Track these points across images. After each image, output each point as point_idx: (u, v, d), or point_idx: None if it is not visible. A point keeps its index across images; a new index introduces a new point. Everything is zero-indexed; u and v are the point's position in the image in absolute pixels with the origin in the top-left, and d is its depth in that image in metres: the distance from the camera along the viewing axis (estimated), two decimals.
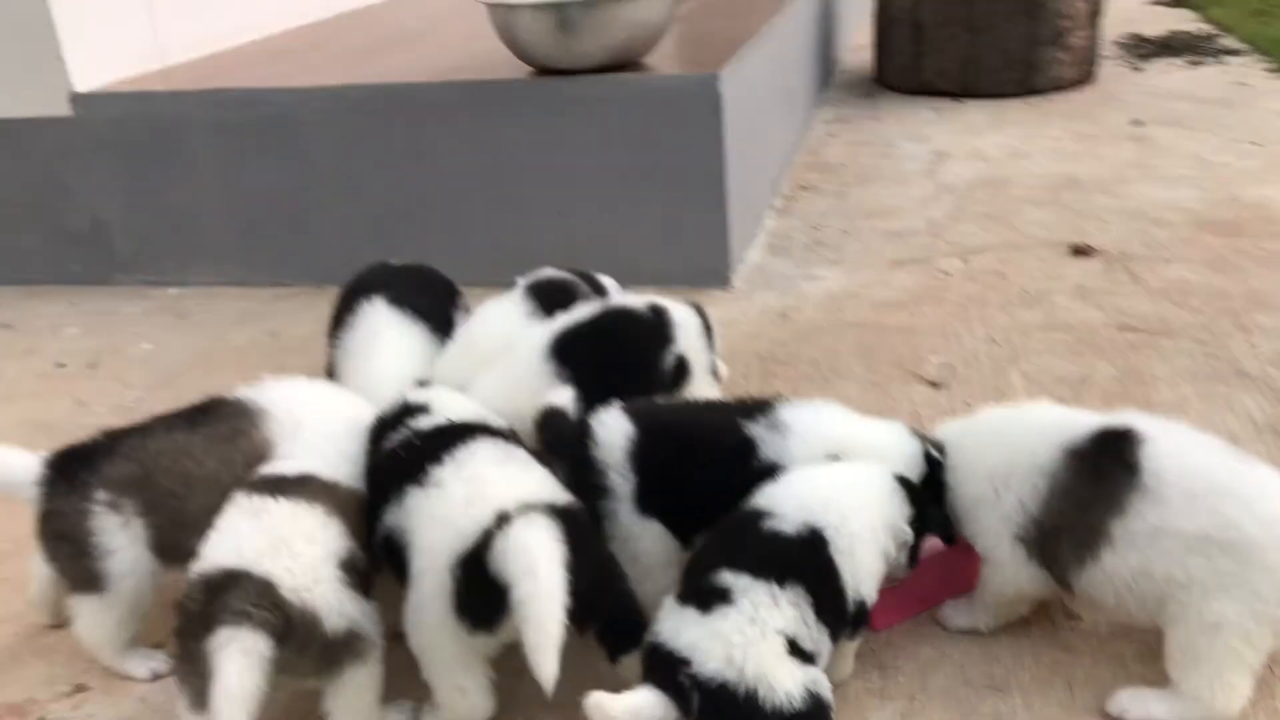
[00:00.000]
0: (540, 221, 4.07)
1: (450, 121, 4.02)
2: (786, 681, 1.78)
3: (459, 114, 4.00)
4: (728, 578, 1.87)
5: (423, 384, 2.61)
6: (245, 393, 2.37)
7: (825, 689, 1.83)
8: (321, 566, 1.88)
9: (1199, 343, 3.31)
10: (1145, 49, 7.20)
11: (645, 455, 2.20)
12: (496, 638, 1.87)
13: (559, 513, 1.88)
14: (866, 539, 1.99)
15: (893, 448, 2.22)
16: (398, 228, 4.19)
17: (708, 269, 3.99)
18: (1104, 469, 1.94)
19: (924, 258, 4.14)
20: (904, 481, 2.09)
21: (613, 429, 2.23)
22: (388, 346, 2.72)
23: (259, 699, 1.72)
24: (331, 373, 2.84)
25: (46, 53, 4.20)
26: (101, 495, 2.15)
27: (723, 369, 2.97)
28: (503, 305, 2.84)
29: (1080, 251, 4.06)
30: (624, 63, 3.90)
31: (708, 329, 2.85)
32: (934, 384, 3.17)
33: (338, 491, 2.06)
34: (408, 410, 2.20)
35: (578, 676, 1.83)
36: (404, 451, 2.07)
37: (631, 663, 1.92)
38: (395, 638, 2.00)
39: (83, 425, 3.35)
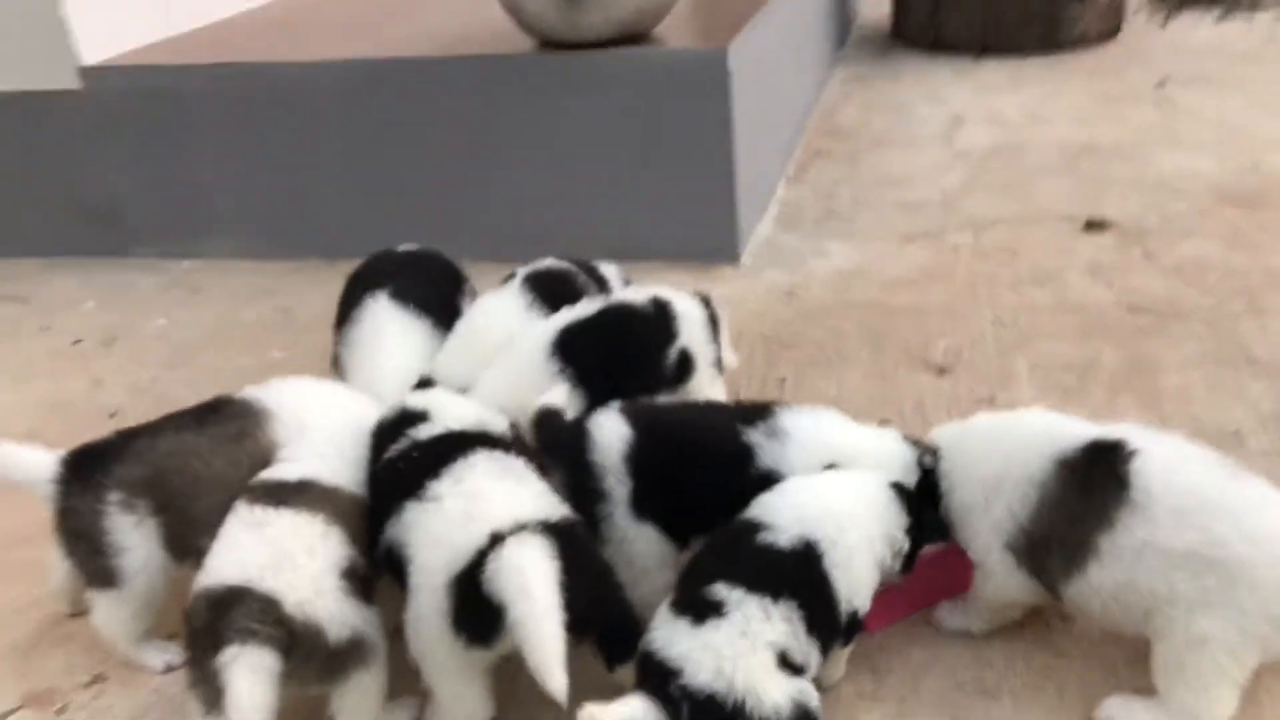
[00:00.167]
0: (546, 197, 4.07)
1: (457, 96, 4.01)
2: (774, 694, 1.82)
3: (466, 88, 3.98)
4: (721, 590, 1.90)
5: (425, 382, 2.64)
6: (251, 393, 2.40)
7: (812, 700, 1.87)
8: (323, 578, 1.92)
9: (1209, 325, 3.29)
10: (1173, 1, 7.04)
11: (642, 459, 2.21)
12: (494, 651, 1.91)
13: (553, 529, 1.91)
14: (862, 549, 2.02)
15: (888, 455, 2.24)
16: (405, 202, 4.20)
17: (716, 246, 3.98)
18: (1094, 482, 1.96)
19: (935, 231, 4.11)
20: (900, 490, 2.11)
21: (610, 432, 2.25)
22: (390, 344, 2.74)
23: (272, 710, 1.79)
24: (338, 363, 2.87)
25: (53, 25, 4.20)
26: (115, 496, 2.20)
27: (731, 359, 2.97)
28: (501, 298, 2.84)
29: (1094, 226, 4.02)
30: (631, 36, 3.86)
31: (713, 320, 2.84)
32: (939, 370, 3.17)
33: (338, 497, 2.10)
34: (407, 418, 2.23)
35: (576, 674, 1.87)
36: (403, 464, 2.11)
37: (628, 671, 1.96)
38: (398, 633, 2.05)
39: (100, 405, 3.46)
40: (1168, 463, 1.94)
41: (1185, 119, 5.05)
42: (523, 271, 2.91)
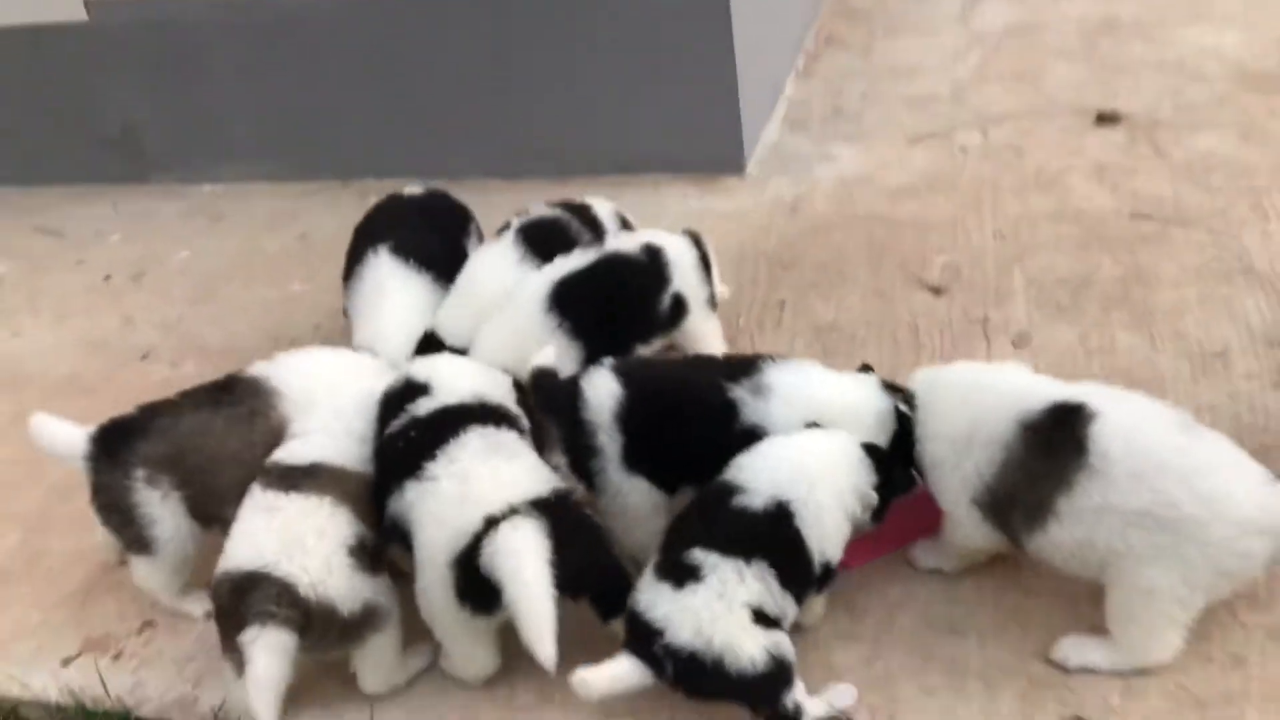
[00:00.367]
0: (552, 113, 4.09)
1: (460, 13, 3.98)
2: (750, 648, 1.99)
3: (468, 6, 3.96)
4: (699, 555, 2.05)
5: (429, 337, 2.75)
6: (260, 370, 2.55)
7: (787, 650, 2.03)
8: (333, 558, 2.10)
9: (1211, 233, 3.29)
10: None
11: (632, 416, 2.34)
12: (496, 618, 2.09)
13: (544, 505, 2.06)
14: (833, 507, 2.14)
15: (867, 406, 2.33)
16: (414, 122, 4.24)
17: (722, 155, 3.99)
18: (1055, 445, 2.04)
19: (943, 130, 4.08)
20: (870, 449, 2.21)
21: (601, 391, 2.36)
22: (391, 302, 2.85)
23: (286, 681, 2.02)
24: (347, 315, 2.99)
25: None
26: (140, 473, 2.39)
27: (722, 291, 3.05)
28: (496, 251, 2.92)
29: (1105, 119, 3.97)
30: None
31: (704, 260, 2.91)
32: (935, 290, 3.22)
33: (345, 477, 2.26)
34: (409, 390, 2.36)
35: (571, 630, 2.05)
36: (402, 442, 2.25)
37: (620, 624, 2.13)
38: (412, 585, 2.20)
39: (132, 345, 3.64)
40: (1126, 426, 2.01)
41: None
42: (516, 222, 2.98)
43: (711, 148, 3.99)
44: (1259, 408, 2.63)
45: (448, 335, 2.77)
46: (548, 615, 1.93)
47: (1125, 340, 2.91)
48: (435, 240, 3.02)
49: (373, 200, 4.16)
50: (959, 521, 2.21)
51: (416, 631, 2.26)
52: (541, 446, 2.45)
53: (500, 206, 3.90)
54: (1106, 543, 2.00)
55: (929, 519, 2.36)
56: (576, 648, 2.05)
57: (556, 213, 3.01)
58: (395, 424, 2.31)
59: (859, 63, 4.71)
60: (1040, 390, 2.15)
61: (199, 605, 2.54)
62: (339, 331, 3.21)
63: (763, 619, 2.04)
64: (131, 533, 2.42)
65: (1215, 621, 2.12)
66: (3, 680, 2.42)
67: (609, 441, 2.34)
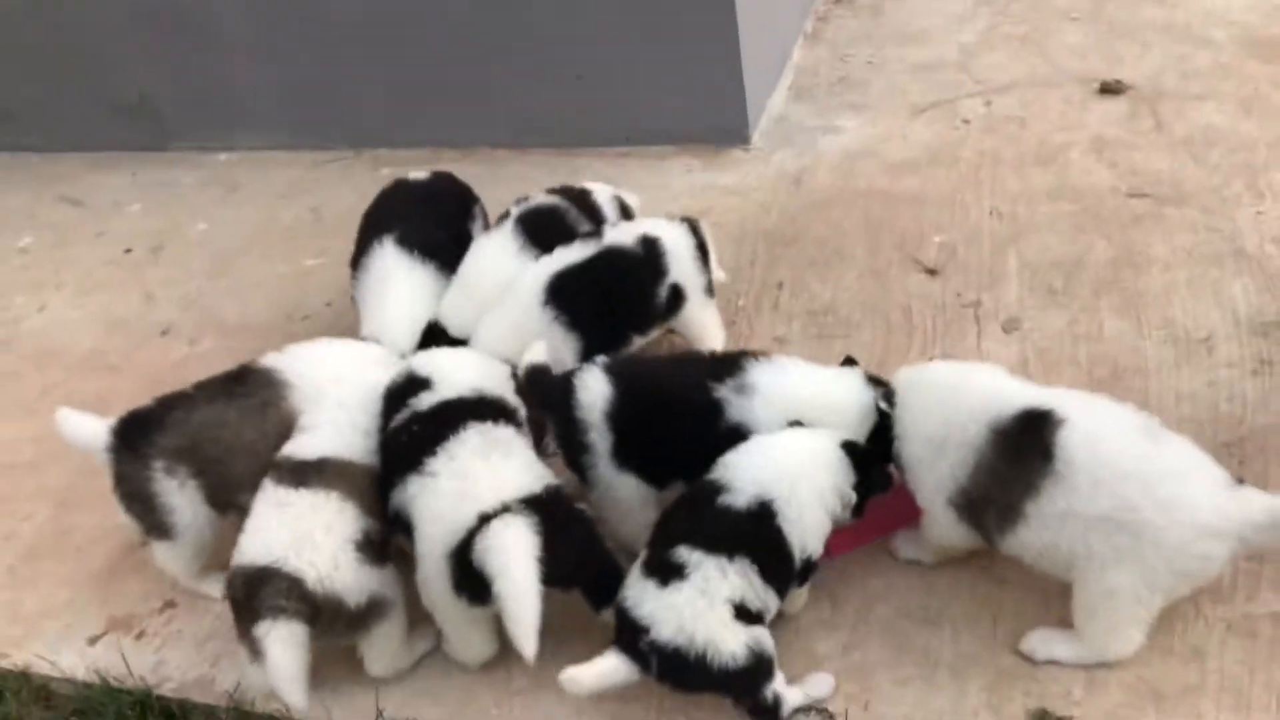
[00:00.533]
0: (559, 84, 4.12)
1: None
2: (731, 644, 2.11)
3: None
4: (683, 553, 2.15)
5: (433, 327, 2.85)
6: (272, 362, 2.66)
7: (766, 645, 2.15)
8: (340, 553, 2.23)
9: (1205, 212, 3.32)
10: None
11: (621, 415, 2.44)
12: (492, 607, 2.20)
13: (536, 503, 2.18)
14: (813, 504, 2.24)
15: (848, 403, 2.42)
16: (423, 94, 4.30)
17: (727, 127, 4.03)
18: (1023, 451, 2.13)
19: (947, 100, 4.10)
20: (850, 448, 2.31)
21: (593, 390, 2.46)
22: (395, 293, 2.94)
23: (307, 664, 2.17)
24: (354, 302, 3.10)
25: None
26: (159, 463, 2.52)
27: (721, 275, 3.12)
28: (496, 241, 2.99)
29: (1109, 90, 3.97)
30: None
31: (701, 247, 2.97)
32: (931, 271, 3.28)
33: (352, 470, 2.38)
34: (412, 384, 2.47)
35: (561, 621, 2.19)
36: (405, 436, 2.36)
37: (610, 613, 2.25)
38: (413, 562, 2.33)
39: (153, 322, 3.76)
40: (1091, 433, 2.10)
41: None
42: (515, 211, 3.05)
43: (716, 119, 4.03)
44: (1237, 396, 2.70)
45: (450, 325, 2.87)
46: (532, 610, 2.05)
47: (1113, 326, 2.97)
48: (439, 228, 3.10)
49: (384, 171, 4.30)
50: (935, 519, 2.31)
51: (421, 615, 2.38)
52: (538, 436, 2.57)
53: (508, 179, 4.00)
54: (1070, 545, 2.10)
55: (910, 510, 2.45)
56: (572, 635, 2.20)
57: (555, 200, 3.07)
58: (398, 418, 2.42)
59: (868, 25, 4.71)
60: (1012, 395, 2.23)
61: (217, 587, 2.67)
62: (349, 310, 3.30)
63: (744, 614, 2.15)
64: (152, 519, 2.56)
65: (1178, 614, 2.22)
66: (34, 659, 2.58)
67: (600, 439, 2.44)
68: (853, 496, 2.30)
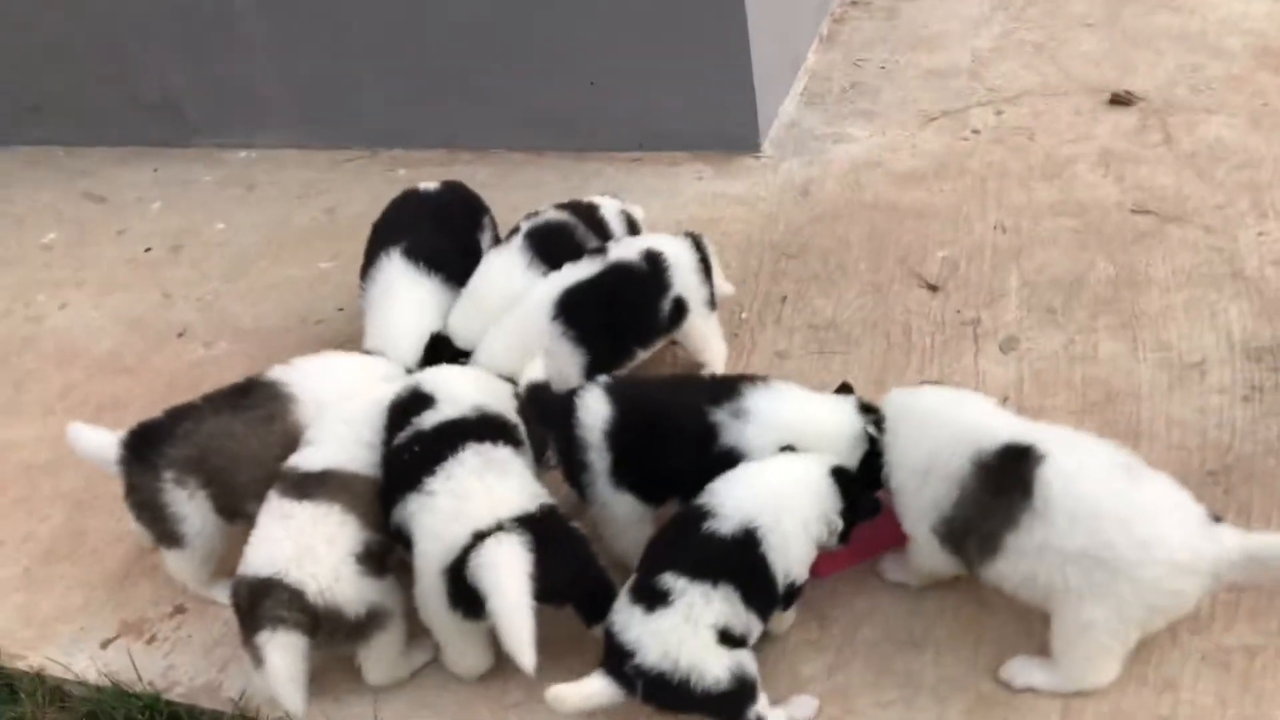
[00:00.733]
0: (573, 87, 4.16)
1: None
2: (715, 668, 2.17)
3: None
4: (669, 580, 2.22)
5: (439, 339, 2.92)
6: (278, 374, 2.74)
7: (749, 669, 2.22)
8: (341, 565, 2.32)
9: (1207, 232, 3.33)
10: None
11: (619, 436, 2.50)
12: (487, 622, 2.27)
13: (530, 521, 2.25)
14: (799, 532, 2.30)
15: (840, 430, 2.47)
16: (439, 96, 4.35)
17: (736, 133, 4.06)
18: (1004, 485, 2.18)
19: (958, 109, 4.11)
20: (838, 474, 2.36)
21: (592, 411, 2.52)
22: (400, 307, 3.00)
23: (306, 672, 2.27)
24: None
25: None
26: (169, 474, 2.61)
27: (726, 289, 3.18)
28: (506, 256, 3.05)
29: (1119, 101, 3.97)
30: None
31: (704, 262, 3.02)
32: (932, 287, 3.31)
33: (355, 484, 2.46)
34: (415, 401, 2.54)
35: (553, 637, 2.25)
36: (407, 455, 2.44)
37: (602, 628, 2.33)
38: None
39: (170, 323, 3.85)
40: (1070, 470, 2.14)
41: None
42: (525, 226, 3.11)
43: (727, 127, 4.05)
44: (1226, 423, 2.73)
45: (458, 338, 2.94)
46: (525, 626, 2.13)
47: (1108, 348, 2.99)
48: (447, 241, 3.16)
49: (400, 172, 4.37)
50: (919, 546, 2.36)
51: (421, 627, 2.45)
52: (539, 449, 2.64)
53: (521, 183, 4.07)
54: (1048, 578, 2.15)
55: (899, 533, 2.50)
56: (567, 649, 2.29)
57: (563, 216, 3.13)
58: (401, 435, 2.50)
59: (883, 28, 4.70)
60: (996, 428, 2.28)
61: (225, 593, 2.78)
62: (360, 315, 3.36)
63: (728, 638, 2.21)
64: (162, 528, 2.65)
65: (1154, 644, 2.27)
66: (48, 662, 2.68)
67: (598, 458, 2.51)
68: (839, 523, 2.35)
